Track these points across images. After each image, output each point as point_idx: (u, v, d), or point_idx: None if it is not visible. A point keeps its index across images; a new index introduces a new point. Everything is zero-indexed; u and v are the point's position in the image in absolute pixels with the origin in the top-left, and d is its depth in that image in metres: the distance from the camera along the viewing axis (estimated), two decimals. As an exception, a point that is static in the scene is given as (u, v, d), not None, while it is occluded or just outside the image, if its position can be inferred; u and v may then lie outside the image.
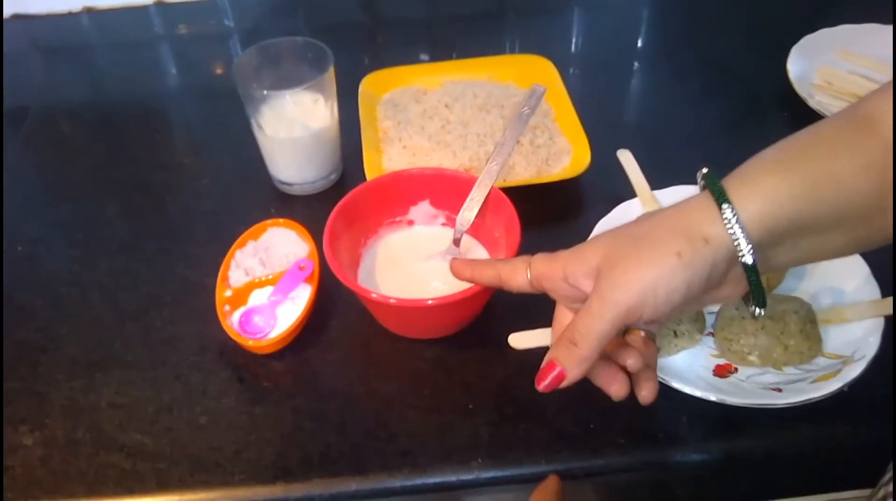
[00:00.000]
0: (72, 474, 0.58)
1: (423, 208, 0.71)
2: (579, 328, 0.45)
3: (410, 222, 0.71)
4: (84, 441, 0.60)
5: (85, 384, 0.63)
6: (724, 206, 0.42)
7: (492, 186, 0.66)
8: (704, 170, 0.45)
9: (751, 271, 0.44)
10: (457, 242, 0.68)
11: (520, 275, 0.51)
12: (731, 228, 0.42)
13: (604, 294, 0.44)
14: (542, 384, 0.47)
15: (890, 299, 0.61)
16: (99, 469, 0.58)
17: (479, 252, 0.69)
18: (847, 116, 0.45)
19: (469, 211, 0.66)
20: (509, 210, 0.64)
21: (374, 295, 0.59)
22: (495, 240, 0.67)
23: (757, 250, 0.43)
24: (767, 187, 0.43)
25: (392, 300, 0.59)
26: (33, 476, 0.58)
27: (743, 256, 0.43)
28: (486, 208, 0.66)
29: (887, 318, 0.60)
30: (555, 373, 0.46)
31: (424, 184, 0.69)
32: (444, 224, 0.71)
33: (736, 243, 0.43)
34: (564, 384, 0.46)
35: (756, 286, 0.45)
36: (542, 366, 0.47)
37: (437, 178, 0.69)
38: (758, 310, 0.47)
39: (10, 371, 0.65)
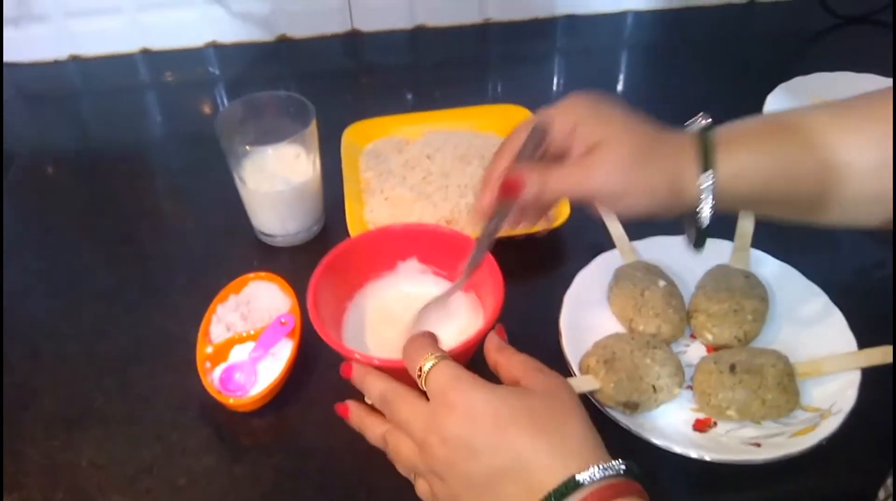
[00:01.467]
0: (50, 537, 0.57)
1: (411, 265, 0.70)
2: (554, 176, 0.53)
3: (396, 276, 0.71)
4: (63, 503, 0.59)
5: (64, 443, 0.63)
6: (706, 174, 0.50)
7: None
8: (704, 122, 0.53)
9: (702, 231, 0.52)
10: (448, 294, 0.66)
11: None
12: (704, 193, 0.50)
13: (591, 173, 0.52)
14: (505, 188, 0.54)
15: (865, 352, 0.62)
16: (78, 531, 0.57)
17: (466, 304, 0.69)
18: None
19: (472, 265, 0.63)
20: (494, 270, 0.64)
21: (357, 355, 0.59)
22: (480, 296, 0.67)
23: (717, 205, 0.51)
24: (748, 165, 0.51)
25: (376, 361, 0.59)
26: (11, 538, 0.57)
27: (700, 218, 0.51)
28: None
29: (864, 370, 0.61)
30: (517, 182, 0.53)
31: (412, 240, 0.69)
32: (433, 276, 0.71)
33: (700, 207, 0.51)
34: (517, 198, 0.53)
35: (702, 236, 0.53)
36: (509, 177, 0.54)
37: (425, 234, 0.69)
38: (696, 250, 0.55)
39: (-14, 429, 0.64)
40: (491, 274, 0.63)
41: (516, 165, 0.54)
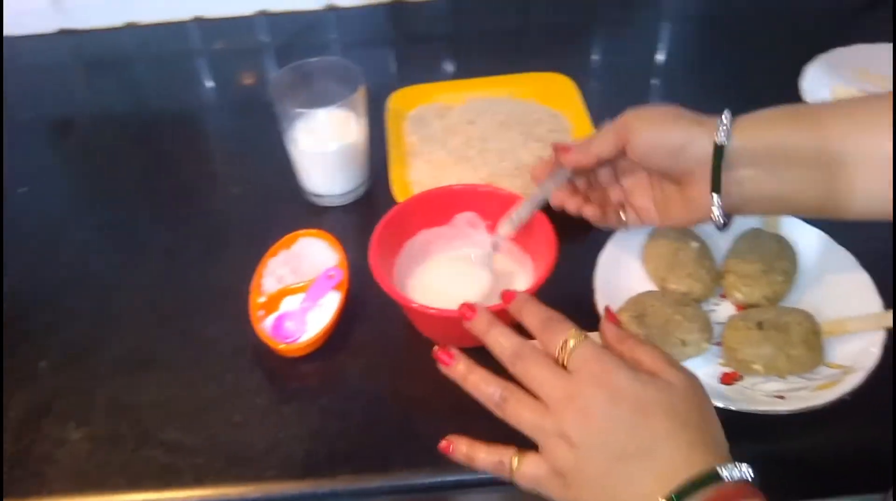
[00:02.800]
0: (114, 467, 0.62)
1: (466, 217, 0.74)
2: (595, 138, 0.64)
3: (451, 226, 0.74)
4: (127, 437, 0.63)
5: (128, 383, 0.68)
6: (726, 111, 0.57)
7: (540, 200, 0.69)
8: (724, 129, 0.58)
9: (718, 152, 0.57)
10: (496, 246, 0.71)
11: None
12: (722, 119, 0.57)
13: (620, 118, 0.62)
14: (556, 148, 0.68)
15: (890, 312, 0.63)
16: (140, 463, 0.62)
17: (509, 267, 0.73)
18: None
19: (516, 216, 0.69)
20: (546, 227, 0.67)
21: (414, 305, 0.62)
22: (531, 250, 0.71)
23: (731, 151, 0.57)
24: (763, 125, 0.57)
25: (432, 310, 0.62)
26: (80, 468, 0.62)
27: (717, 137, 0.56)
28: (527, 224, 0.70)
29: (888, 330, 0.63)
30: (567, 146, 0.66)
31: (470, 198, 0.73)
32: (486, 229, 0.74)
33: (718, 127, 0.57)
34: (565, 156, 0.66)
35: (716, 167, 0.57)
36: (561, 145, 0.67)
37: (485, 195, 0.73)
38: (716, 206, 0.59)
39: (58, 370, 0.69)
40: (544, 232, 0.67)
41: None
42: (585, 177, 0.70)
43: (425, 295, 0.67)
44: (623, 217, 0.69)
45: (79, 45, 1.17)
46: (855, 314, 0.65)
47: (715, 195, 0.58)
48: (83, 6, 1.15)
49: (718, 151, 0.57)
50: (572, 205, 0.69)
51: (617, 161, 0.67)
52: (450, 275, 0.71)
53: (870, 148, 0.53)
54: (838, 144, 0.54)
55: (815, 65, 0.95)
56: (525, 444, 0.53)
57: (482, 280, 0.69)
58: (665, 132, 0.60)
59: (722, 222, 0.59)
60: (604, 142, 0.63)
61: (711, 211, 0.59)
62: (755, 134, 0.57)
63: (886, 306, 0.65)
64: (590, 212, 0.69)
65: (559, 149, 0.67)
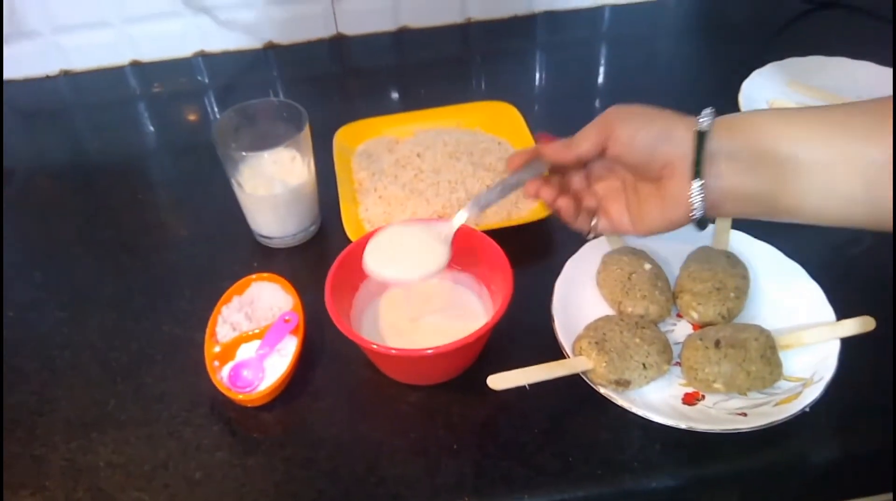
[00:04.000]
0: (74, 534, 0.60)
1: None
2: (578, 135, 0.62)
3: None
4: (84, 502, 0.62)
5: (82, 445, 0.65)
6: (708, 109, 0.58)
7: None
8: (705, 121, 0.58)
9: (700, 137, 0.57)
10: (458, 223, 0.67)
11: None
12: (704, 119, 0.57)
13: (606, 116, 0.61)
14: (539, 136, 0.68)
15: (843, 322, 0.65)
16: (100, 528, 0.60)
17: (467, 297, 0.72)
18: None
19: (484, 199, 0.66)
20: (500, 257, 0.67)
21: (374, 346, 0.62)
22: (486, 280, 0.71)
23: (711, 148, 0.57)
24: (746, 125, 0.57)
25: (393, 351, 0.62)
26: (36, 538, 0.60)
27: (700, 123, 0.57)
28: (479, 252, 0.69)
29: (843, 340, 0.64)
30: (549, 138, 0.64)
31: None
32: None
33: (700, 118, 0.57)
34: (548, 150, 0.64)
35: (699, 151, 0.57)
36: (545, 136, 0.65)
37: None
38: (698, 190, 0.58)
39: (8, 435, 0.67)
40: (499, 263, 0.67)
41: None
42: (559, 178, 0.67)
43: (379, 263, 0.65)
44: (594, 223, 0.68)
45: (13, 95, 1.14)
46: (809, 326, 0.66)
47: (695, 183, 0.58)
48: (14, 56, 1.13)
49: (700, 136, 0.57)
50: (547, 194, 0.66)
51: (591, 165, 0.66)
52: (407, 244, 0.67)
53: (847, 153, 0.53)
54: (784, 152, 0.55)
55: (751, 80, 0.97)
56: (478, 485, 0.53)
57: (439, 255, 0.65)
58: (647, 123, 0.60)
59: (700, 213, 0.58)
60: (586, 139, 0.62)
61: (691, 203, 0.58)
62: (736, 129, 0.57)
63: (838, 316, 0.66)
64: (563, 204, 0.66)
65: (542, 140, 0.65)
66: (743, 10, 1.22)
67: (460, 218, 0.66)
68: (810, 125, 0.55)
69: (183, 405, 0.68)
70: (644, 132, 0.59)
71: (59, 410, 0.69)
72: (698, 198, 0.57)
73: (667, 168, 0.59)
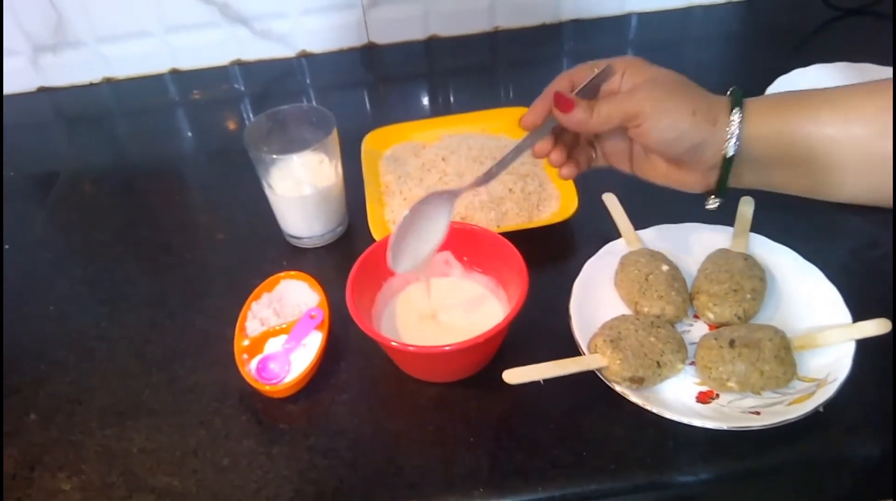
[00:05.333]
0: (107, 516, 0.63)
1: (442, 256, 0.75)
2: (603, 103, 0.61)
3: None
4: (118, 485, 0.64)
5: (117, 432, 0.69)
6: (736, 109, 0.58)
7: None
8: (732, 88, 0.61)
9: (727, 162, 0.59)
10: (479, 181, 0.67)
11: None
12: (733, 126, 0.58)
13: (635, 94, 0.60)
14: (557, 100, 0.62)
15: (859, 324, 0.65)
16: (132, 510, 0.63)
17: (487, 296, 0.74)
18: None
19: (496, 168, 0.66)
20: (516, 257, 0.68)
21: (394, 343, 0.64)
22: (504, 282, 0.72)
23: (738, 156, 0.59)
24: (768, 120, 0.58)
25: (411, 348, 0.64)
26: (72, 519, 0.63)
27: (727, 150, 0.59)
28: (495, 254, 0.71)
29: (858, 342, 0.64)
30: (569, 101, 0.61)
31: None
32: (462, 268, 0.75)
33: (729, 136, 0.58)
34: (566, 114, 0.62)
35: (724, 177, 0.60)
36: (564, 95, 0.62)
37: (457, 231, 0.72)
38: (714, 200, 0.63)
39: (47, 422, 0.70)
40: (515, 264, 0.68)
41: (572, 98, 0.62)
42: (565, 135, 0.68)
43: (396, 260, 0.65)
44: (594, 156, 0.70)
45: (58, 102, 1.20)
46: (825, 327, 0.67)
47: (715, 198, 0.63)
48: (60, 64, 1.18)
49: (727, 162, 0.59)
50: (556, 158, 0.67)
51: None
52: (417, 228, 0.67)
53: (859, 139, 0.56)
54: (829, 142, 0.57)
55: (775, 86, 0.98)
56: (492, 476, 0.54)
57: (439, 231, 0.67)
58: (679, 128, 0.59)
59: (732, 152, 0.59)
60: (609, 118, 0.61)
61: (707, 206, 0.63)
62: (761, 140, 0.59)
63: (855, 319, 0.66)
64: (566, 172, 0.68)
65: (561, 102, 0.62)
66: (770, 17, 1.22)
67: (467, 186, 0.67)
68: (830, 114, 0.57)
69: (213, 396, 0.71)
70: (674, 139, 0.60)
71: (96, 399, 0.72)
72: (714, 206, 0.62)
73: (689, 166, 0.62)
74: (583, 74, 0.65)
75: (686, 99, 0.60)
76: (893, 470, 0.62)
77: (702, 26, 1.23)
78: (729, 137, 0.58)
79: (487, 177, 0.66)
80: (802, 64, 1.01)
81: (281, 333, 0.72)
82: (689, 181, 0.63)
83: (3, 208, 0.97)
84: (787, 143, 0.58)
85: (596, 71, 0.64)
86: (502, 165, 0.65)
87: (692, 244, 0.76)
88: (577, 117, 0.61)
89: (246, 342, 0.71)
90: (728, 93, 0.61)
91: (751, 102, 0.60)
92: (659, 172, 0.65)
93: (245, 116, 1.14)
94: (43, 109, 1.19)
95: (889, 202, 0.57)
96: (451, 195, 0.67)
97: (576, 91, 0.63)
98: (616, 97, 0.61)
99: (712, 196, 0.64)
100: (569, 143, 0.69)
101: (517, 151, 0.66)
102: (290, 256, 0.85)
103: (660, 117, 0.59)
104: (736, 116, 0.58)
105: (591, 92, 0.64)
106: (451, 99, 1.13)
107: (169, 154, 1.08)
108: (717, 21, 1.23)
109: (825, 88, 0.60)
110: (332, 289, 0.75)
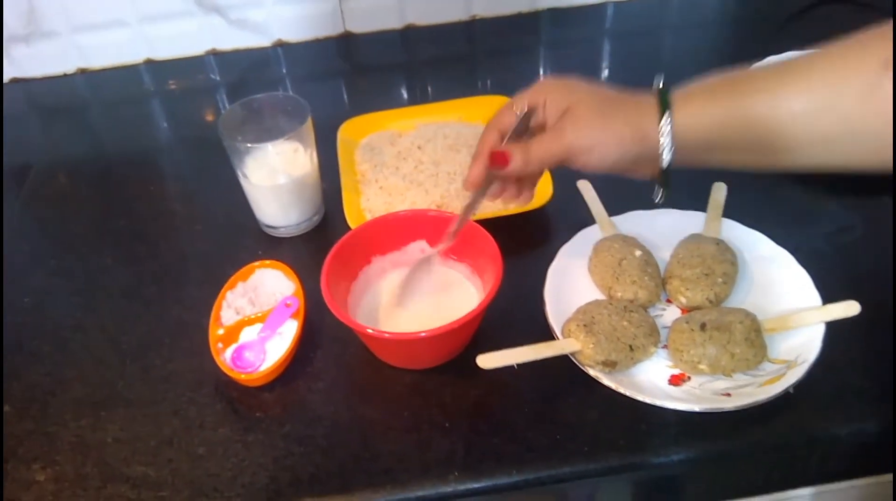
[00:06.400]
0: (82, 506, 0.62)
1: (418, 246, 0.75)
2: (534, 146, 0.62)
3: (402, 256, 0.76)
4: (92, 475, 0.64)
5: (91, 423, 0.68)
6: (665, 115, 0.58)
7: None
8: (661, 83, 0.61)
9: (664, 171, 0.60)
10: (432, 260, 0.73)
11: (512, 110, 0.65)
12: (664, 137, 0.58)
13: (563, 133, 0.61)
14: (492, 159, 0.64)
15: (828, 307, 0.66)
16: (107, 500, 0.62)
17: (462, 283, 0.75)
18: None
19: (452, 231, 0.70)
20: (491, 244, 0.69)
21: (369, 330, 0.64)
22: (479, 269, 0.73)
23: (677, 152, 0.59)
24: (701, 113, 0.59)
25: (387, 335, 0.64)
26: (46, 510, 0.63)
27: (663, 160, 0.60)
28: (470, 242, 0.71)
29: (827, 323, 0.65)
30: (505, 155, 0.63)
31: (420, 222, 0.74)
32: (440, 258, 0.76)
33: (662, 150, 0.59)
34: (504, 168, 0.63)
35: (665, 180, 0.62)
36: (498, 151, 0.63)
37: (431, 219, 0.74)
38: (662, 193, 0.64)
39: (22, 413, 0.70)
40: (490, 251, 0.69)
41: (504, 144, 0.64)
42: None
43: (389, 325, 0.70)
44: None
45: (32, 93, 1.18)
46: (795, 310, 0.68)
47: (661, 189, 0.63)
48: (33, 55, 1.17)
49: (665, 171, 0.61)
50: (510, 194, 0.70)
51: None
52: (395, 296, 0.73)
53: (797, 108, 0.56)
54: (772, 103, 0.57)
55: (749, 74, 0.98)
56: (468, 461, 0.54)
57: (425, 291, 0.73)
58: (613, 156, 0.61)
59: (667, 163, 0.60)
60: (543, 161, 0.63)
61: (656, 201, 0.64)
62: (700, 130, 0.59)
63: (825, 301, 0.67)
64: (524, 199, 0.71)
65: (497, 159, 0.63)
66: (747, 4, 1.23)
67: (438, 248, 0.72)
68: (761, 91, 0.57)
69: (188, 386, 0.70)
70: (611, 165, 0.61)
71: (71, 390, 0.72)
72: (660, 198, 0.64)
73: (631, 173, 0.64)
74: (508, 119, 0.66)
75: (613, 121, 0.61)
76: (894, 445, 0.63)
77: (678, 14, 1.23)
78: (661, 149, 0.59)
79: (452, 237, 0.70)
80: (780, 51, 1.01)
81: (256, 321, 0.72)
82: (637, 175, 0.64)
83: (3, 203, 0.96)
84: (734, 126, 0.58)
85: (518, 114, 0.65)
86: (461, 223, 0.69)
87: (665, 230, 0.77)
88: (516, 168, 0.63)
89: (221, 331, 0.71)
90: (656, 89, 0.61)
91: (682, 97, 0.60)
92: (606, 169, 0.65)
93: (221, 105, 1.13)
94: (16, 101, 1.17)
95: (849, 164, 0.58)
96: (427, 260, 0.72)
97: (506, 139, 0.65)
98: (545, 137, 0.63)
99: (661, 190, 0.65)
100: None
101: (471, 209, 0.68)
102: (266, 245, 0.85)
103: (592, 152, 0.61)
104: (666, 126, 0.59)
105: (522, 130, 0.66)
106: (428, 88, 1.13)
107: (144, 144, 1.07)
108: (694, 8, 1.24)
109: (757, 67, 0.62)
110: (308, 278, 0.75)
